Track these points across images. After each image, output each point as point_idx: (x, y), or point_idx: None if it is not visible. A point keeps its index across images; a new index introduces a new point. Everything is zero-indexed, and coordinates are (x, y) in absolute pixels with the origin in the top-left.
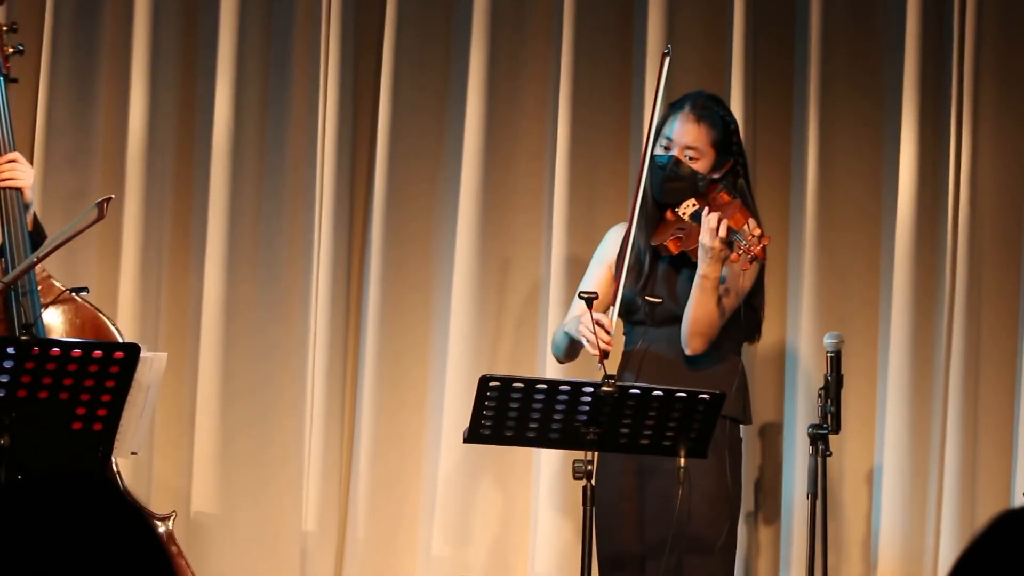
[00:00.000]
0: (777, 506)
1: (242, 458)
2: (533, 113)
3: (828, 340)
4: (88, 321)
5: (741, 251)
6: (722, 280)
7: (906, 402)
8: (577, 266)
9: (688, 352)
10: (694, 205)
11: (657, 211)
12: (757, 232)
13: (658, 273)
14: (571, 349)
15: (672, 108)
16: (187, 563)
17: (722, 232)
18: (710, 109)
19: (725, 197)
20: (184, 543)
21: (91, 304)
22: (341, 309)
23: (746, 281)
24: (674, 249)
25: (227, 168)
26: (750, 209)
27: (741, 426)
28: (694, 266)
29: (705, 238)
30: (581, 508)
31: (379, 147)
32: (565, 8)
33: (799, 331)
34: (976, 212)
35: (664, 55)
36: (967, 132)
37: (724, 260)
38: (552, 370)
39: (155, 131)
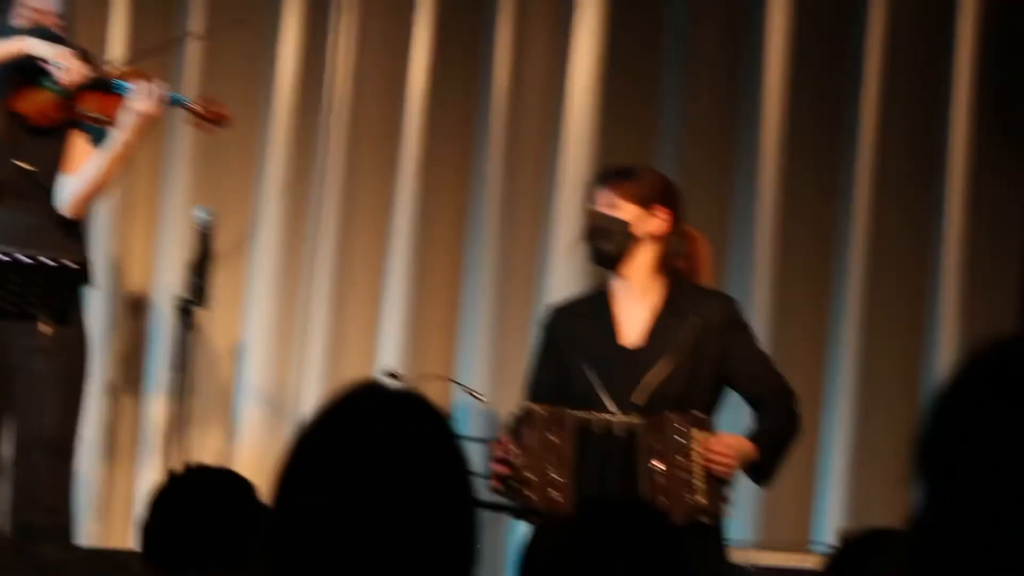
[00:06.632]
0: (139, 377)
1: None
2: None
3: (198, 214)
4: None
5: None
6: None
7: (275, 278)
8: None
9: (71, 216)
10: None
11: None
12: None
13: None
14: None
15: None
16: None
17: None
18: None
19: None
20: None
21: None
22: None
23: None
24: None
25: None
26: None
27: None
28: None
29: (142, 105)
30: None
31: None
32: None
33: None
34: (356, 98)
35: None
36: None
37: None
38: None
39: None
